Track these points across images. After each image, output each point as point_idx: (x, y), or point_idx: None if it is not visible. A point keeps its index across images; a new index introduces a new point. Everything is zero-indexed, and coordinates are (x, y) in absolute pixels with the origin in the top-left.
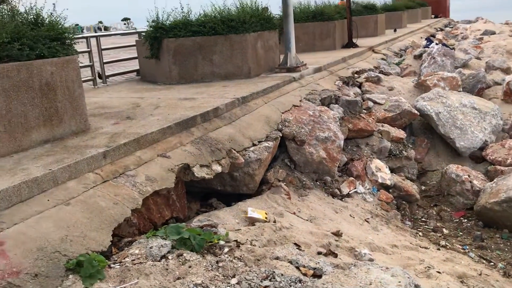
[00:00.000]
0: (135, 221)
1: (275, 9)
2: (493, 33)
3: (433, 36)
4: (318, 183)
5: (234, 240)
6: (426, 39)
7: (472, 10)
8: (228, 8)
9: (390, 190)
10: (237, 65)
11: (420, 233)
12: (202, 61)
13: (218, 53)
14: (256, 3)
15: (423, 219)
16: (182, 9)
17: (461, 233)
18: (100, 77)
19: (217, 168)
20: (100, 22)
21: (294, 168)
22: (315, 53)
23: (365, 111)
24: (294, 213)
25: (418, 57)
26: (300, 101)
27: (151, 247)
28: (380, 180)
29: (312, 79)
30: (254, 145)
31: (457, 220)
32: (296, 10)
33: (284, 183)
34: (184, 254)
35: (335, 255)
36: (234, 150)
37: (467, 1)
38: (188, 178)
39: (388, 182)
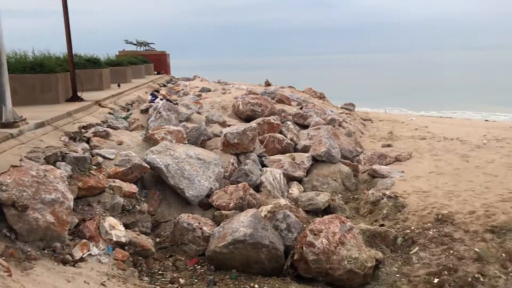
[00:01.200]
0: None
1: None
2: (209, 90)
3: (157, 91)
4: (46, 251)
5: None
6: (151, 94)
7: (190, 68)
8: None
9: (126, 247)
10: None
11: (158, 287)
12: None
13: None
14: None
15: (160, 272)
16: None
17: (196, 280)
18: None
19: None
20: None
21: (15, 238)
22: (37, 107)
23: (95, 167)
24: None
25: (145, 111)
26: (21, 160)
27: None
28: (115, 239)
29: (34, 135)
30: None
31: (192, 267)
32: (11, 60)
33: (3, 258)
34: None
35: None
36: None
37: (185, 60)
38: None
39: (123, 240)
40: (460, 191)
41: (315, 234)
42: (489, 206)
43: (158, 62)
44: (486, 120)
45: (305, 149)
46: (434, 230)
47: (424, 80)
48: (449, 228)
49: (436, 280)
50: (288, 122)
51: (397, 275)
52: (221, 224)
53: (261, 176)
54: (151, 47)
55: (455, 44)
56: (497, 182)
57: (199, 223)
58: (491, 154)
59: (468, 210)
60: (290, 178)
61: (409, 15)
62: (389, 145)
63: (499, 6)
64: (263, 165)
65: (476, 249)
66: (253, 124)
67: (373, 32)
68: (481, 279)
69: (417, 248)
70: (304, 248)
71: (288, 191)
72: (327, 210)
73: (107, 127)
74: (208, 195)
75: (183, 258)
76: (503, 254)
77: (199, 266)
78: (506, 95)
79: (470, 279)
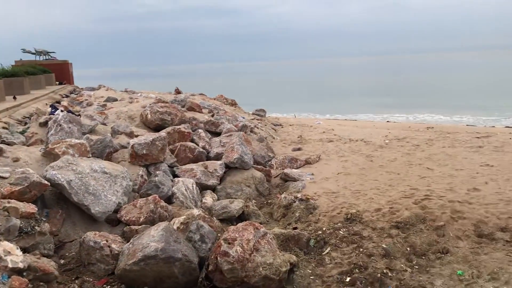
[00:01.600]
0: None
1: None
2: (115, 100)
3: (59, 102)
4: None
5: None
6: (51, 106)
7: (95, 78)
8: None
9: (25, 273)
10: None
11: None
12: None
13: None
14: None
15: None
16: None
17: None
18: None
19: None
20: None
21: None
22: None
23: None
24: None
25: (44, 124)
26: None
27: None
28: (10, 265)
29: None
30: None
31: None
32: None
33: None
34: None
35: None
36: None
37: (90, 70)
38: None
39: (21, 265)
40: (366, 190)
41: (229, 243)
42: (393, 203)
43: (60, 72)
44: (388, 121)
45: (218, 157)
46: (344, 229)
47: (328, 85)
48: (358, 226)
49: (348, 279)
50: (200, 130)
51: (311, 277)
52: (131, 240)
53: (172, 187)
54: (51, 56)
55: (355, 50)
56: (400, 180)
57: (107, 241)
58: (393, 153)
59: (374, 208)
60: (203, 187)
61: (312, 23)
62: (299, 149)
63: (394, 12)
64: (175, 176)
65: (384, 245)
66: (163, 133)
67: (278, 40)
68: (389, 274)
69: (329, 249)
70: (218, 258)
71: (201, 201)
72: (242, 217)
73: (0, 143)
74: (116, 211)
75: (91, 279)
76: (408, 248)
77: (109, 286)
78: (403, 98)
79: (379, 275)
